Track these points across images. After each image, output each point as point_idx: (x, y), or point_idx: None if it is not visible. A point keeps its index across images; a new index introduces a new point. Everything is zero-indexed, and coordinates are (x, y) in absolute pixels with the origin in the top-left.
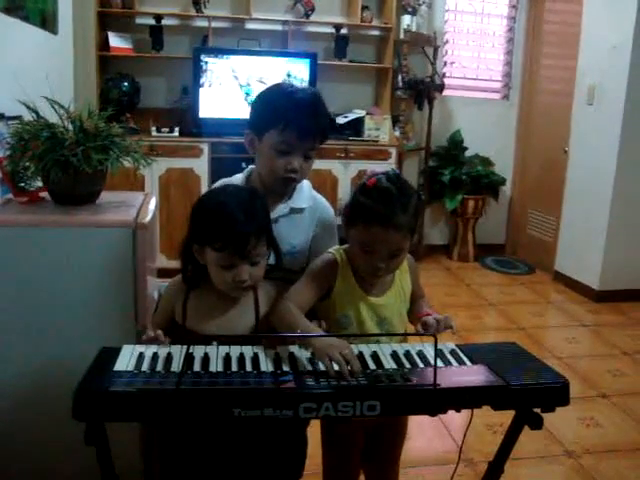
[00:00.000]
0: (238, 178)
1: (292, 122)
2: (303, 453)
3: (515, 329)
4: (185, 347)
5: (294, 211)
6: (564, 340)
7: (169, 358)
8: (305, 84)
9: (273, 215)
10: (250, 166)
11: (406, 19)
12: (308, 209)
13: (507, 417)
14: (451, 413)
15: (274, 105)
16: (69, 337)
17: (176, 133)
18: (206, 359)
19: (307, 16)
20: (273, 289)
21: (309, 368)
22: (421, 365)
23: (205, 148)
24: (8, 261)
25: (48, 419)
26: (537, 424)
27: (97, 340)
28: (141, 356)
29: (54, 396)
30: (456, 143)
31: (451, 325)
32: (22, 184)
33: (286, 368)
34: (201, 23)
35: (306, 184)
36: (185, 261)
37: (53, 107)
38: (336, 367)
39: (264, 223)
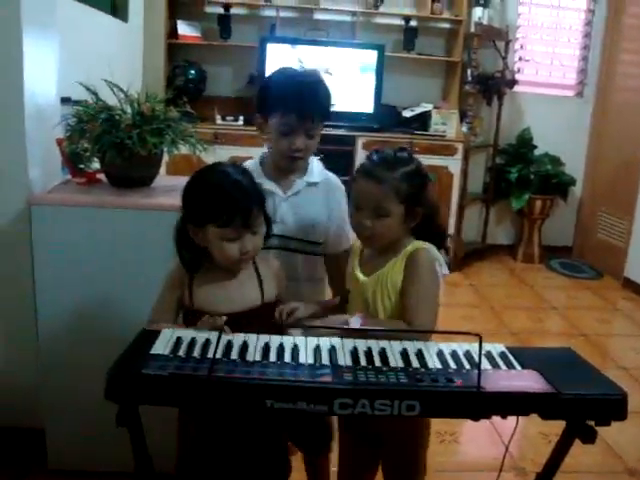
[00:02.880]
0: (251, 162)
1: (291, 105)
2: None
3: (577, 335)
4: (219, 333)
5: (310, 184)
6: (631, 350)
7: (207, 344)
8: (309, 68)
9: (293, 190)
10: (263, 151)
11: (478, 12)
12: (321, 184)
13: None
14: (503, 419)
15: (276, 90)
16: (121, 314)
17: (240, 122)
18: (244, 347)
19: (376, 7)
20: (274, 263)
21: (349, 363)
22: (467, 366)
23: None
24: (64, 239)
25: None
26: (590, 437)
27: (144, 318)
28: (179, 340)
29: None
30: (525, 141)
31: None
32: (81, 165)
33: (325, 361)
34: (269, 12)
35: (316, 163)
36: (180, 247)
37: (112, 90)
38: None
39: (259, 194)
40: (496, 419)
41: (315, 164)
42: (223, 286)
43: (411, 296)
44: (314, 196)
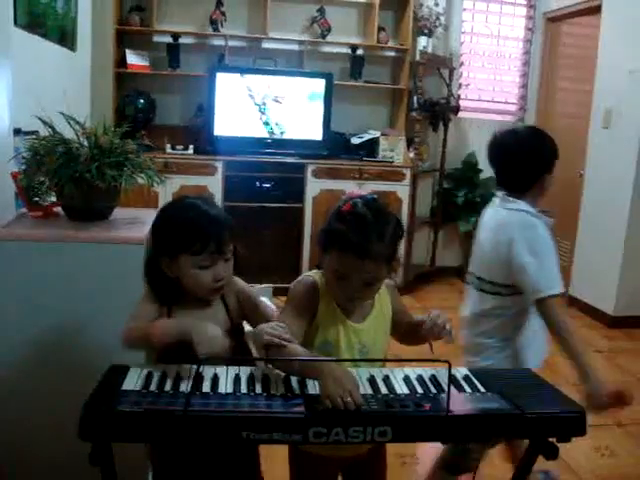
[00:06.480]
0: None
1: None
2: None
3: None
4: (194, 367)
5: None
6: None
7: (177, 378)
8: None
9: None
10: None
11: (422, 41)
12: None
13: None
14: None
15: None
16: (78, 351)
17: (190, 151)
18: (215, 379)
19: (323, 36)
20: (234, 282)
21: (319, 392)
22: (434, 391)
23: (219, 166)
24: (20, 275)
25: (54, 427)
26: (553, 454)
27: (106, 355)
28: (149, 375)
29: (62, 409)
30: (471, 165)
31: (448, 329)
32: (36, 199)
33: (296, 391)
34: (218, 42)
35: None
36: (154, 282)
37: (69, 123)
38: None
39: (228, 221)
40: None
41: None
42: (195, 316)
43: (405, 311)
44: None
